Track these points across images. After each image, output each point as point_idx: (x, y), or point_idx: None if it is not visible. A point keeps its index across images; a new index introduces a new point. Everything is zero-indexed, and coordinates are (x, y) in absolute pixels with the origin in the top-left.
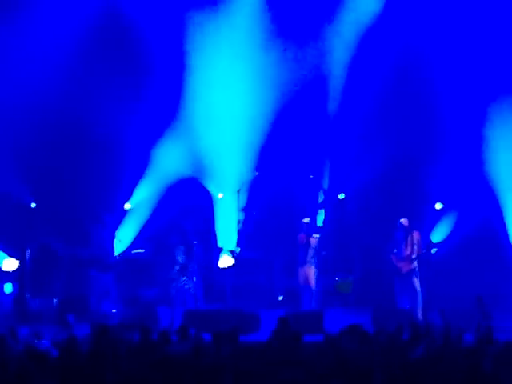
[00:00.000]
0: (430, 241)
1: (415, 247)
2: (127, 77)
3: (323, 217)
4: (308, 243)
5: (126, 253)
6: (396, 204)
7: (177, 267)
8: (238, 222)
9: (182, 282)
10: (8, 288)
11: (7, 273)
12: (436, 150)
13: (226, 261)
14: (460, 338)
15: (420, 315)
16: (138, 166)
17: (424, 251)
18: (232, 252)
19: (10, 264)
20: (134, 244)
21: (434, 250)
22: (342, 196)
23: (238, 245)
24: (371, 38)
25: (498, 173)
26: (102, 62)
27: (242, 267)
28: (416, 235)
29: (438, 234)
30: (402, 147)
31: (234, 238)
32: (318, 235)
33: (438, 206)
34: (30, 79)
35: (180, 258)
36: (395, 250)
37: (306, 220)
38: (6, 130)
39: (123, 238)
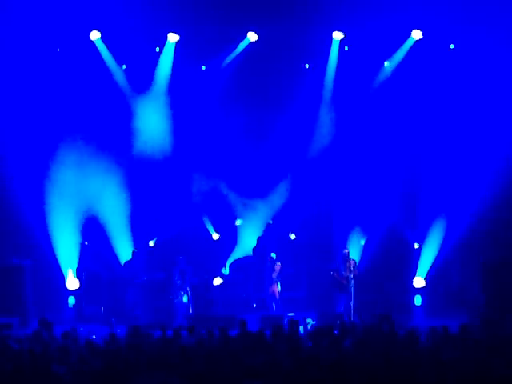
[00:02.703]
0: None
1: (351, 270)
2: None
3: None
4: (273, 268)
5: (148, 276)
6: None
7: (175, 286)
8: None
9: (178, 296)
10: (71, 300)
11: (71, 290)
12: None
13: (217, 280)
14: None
15: (351, 317)
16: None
17: (357, 273)
18: (221, 274)
19: (73, 283)
20: (152, 270)
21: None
22: (293, 236)
23: (224, 269)
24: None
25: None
26: None
27: (229, 284)
28: (352, 262)
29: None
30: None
31: (224, 265)
32: (279, 263)
33: (362, 242)
34: None
35: (177, 281)
36: (332, 272)
37: (273, 254)
38: None
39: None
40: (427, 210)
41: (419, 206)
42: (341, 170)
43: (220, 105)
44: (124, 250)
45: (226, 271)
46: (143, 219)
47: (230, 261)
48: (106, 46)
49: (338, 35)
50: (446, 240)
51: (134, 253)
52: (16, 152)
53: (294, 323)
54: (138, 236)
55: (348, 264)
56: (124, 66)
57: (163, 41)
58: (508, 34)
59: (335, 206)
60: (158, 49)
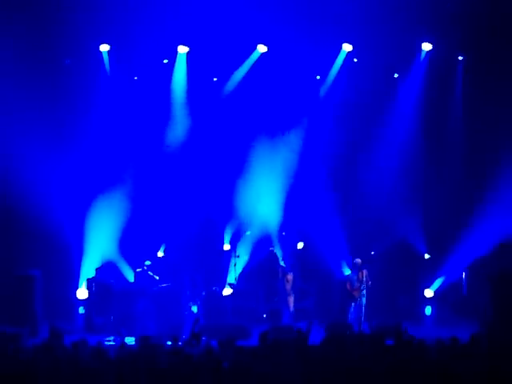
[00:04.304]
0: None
1: (364, 280)
2: None
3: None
4: (286, 279)
5: (159, 286)
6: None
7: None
8: (235, 264)
9: (189, 305)
10: (81, 310)
11: (80, 300)
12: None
13: (227, 291)
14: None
15: (361, 327)
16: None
17: (369, 283)
18: (231, 285)
19: (82, 293)
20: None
21: None
22: (301, 245)
23: (235, 280)
24: None
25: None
26: None
27: (238, 295)
28: (365, 272)
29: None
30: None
31: (233, 275)
32: (291, 274)
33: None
34: None
35: (188, 292)
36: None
37: (282, 263)
38: None
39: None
40: (438, 221)
41: (431, 217)
42: (348, 177)
43: (230, 116)
44: (135, 260)
45: (234, 281)
46: (154, 230)
47: (239, 271)
48: (116, 57)
49: (347, 47)
50: (457, 252)
51: (144, 263)
52: (35, 165)
53: (302, 332)
54: (149, 246)
55: (360, 274)
56: (136, 78)
57: (171, 53)
58: None
59: (345, 215)
60: (166, 61)
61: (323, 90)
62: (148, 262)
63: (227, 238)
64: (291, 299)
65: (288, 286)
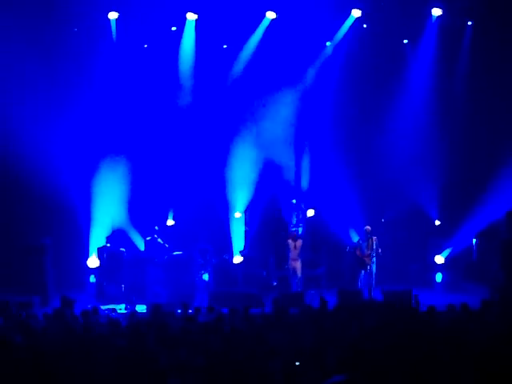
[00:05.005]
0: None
1: (374, 248)
2: None
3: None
4: (294, 245)
5: (170, 254)
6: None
7: (197, 265)
8: (245, 232)
9: (200, 274)
10: (92, 278)
11: (91, 268)
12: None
13: (237, 259)
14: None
15: (371, 294)
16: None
17: (379, 251)
18: (241, 252)
19: (93, 262)
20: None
21: None
22: (311, 212)
23: (245, 247)
24: None
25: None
26: None
27: (249, 262)
28: (374, 239)
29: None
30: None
31: (243, 243)
32: (301, 240)
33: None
34: None
35: (199, 260)
36: (349, 249)
37: (293, 229)
38: None
39: (168, 244)
40: (450, 188)
41: (442, 184)
42: (360, 146)
43: (239, 83)
44: (145, 228)
45: (243, 249)
46: (163, 197)
47: (249, 239)
48: (124, 25)
49: (356, 13)
50: (468, 218)
51: (155, 231)
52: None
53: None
54: (159, 213)
55: (370, 241)
56: (146, 46)
57: (180, 20)
58: None
59: (356, 183)
60: (174, 28)
61: (330, 49)
62: (156, 228)
63: (238, 205)
64: (298, 265)
65: (295, 252)
